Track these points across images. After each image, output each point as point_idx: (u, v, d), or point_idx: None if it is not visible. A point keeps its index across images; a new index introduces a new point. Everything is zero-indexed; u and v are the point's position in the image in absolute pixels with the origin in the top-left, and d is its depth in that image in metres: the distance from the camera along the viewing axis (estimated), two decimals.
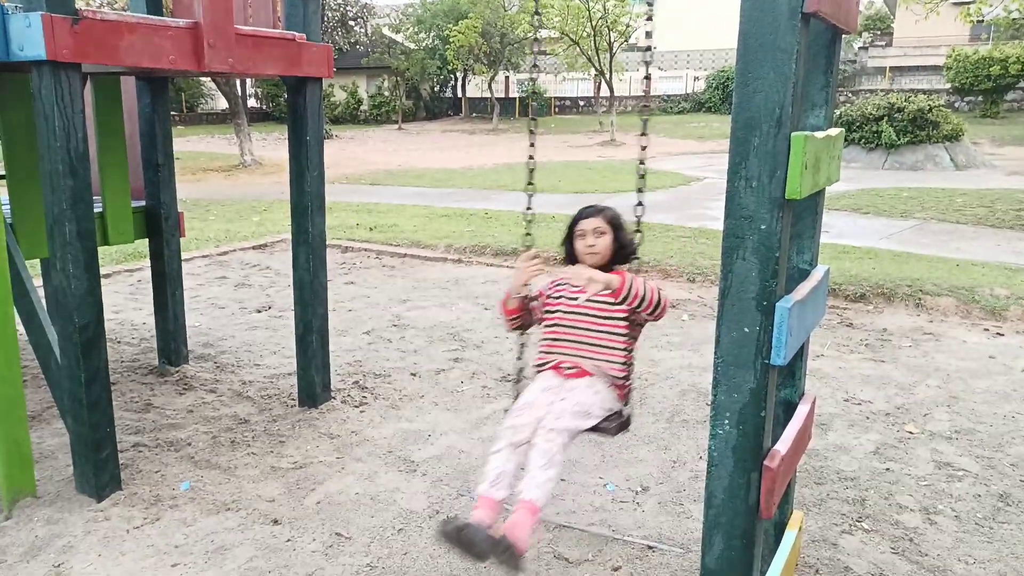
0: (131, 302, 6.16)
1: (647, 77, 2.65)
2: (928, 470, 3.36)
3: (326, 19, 32.45)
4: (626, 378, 2.62)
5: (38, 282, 5.58)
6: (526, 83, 39.99)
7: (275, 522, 2.94)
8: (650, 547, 2.78)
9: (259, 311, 5.93)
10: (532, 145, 2.73)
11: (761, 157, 1.78)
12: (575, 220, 2.72)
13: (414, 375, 4.52)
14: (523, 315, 2.77)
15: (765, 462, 1.93)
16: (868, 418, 3.90)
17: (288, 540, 2.83)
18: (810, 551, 2.74)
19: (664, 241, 8.16)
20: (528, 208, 2.70)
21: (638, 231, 2.66)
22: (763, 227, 1.80)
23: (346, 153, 23.41)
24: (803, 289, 2.04)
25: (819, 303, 2.23)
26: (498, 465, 2.41)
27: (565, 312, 2.68)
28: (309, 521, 2.96)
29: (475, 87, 39.31)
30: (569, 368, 2.62)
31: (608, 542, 2.82)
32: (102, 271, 7.14)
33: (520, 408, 2.51)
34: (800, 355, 2.34)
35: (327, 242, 4.04)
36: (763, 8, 1.73)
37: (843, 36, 2.27)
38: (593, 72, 29.06)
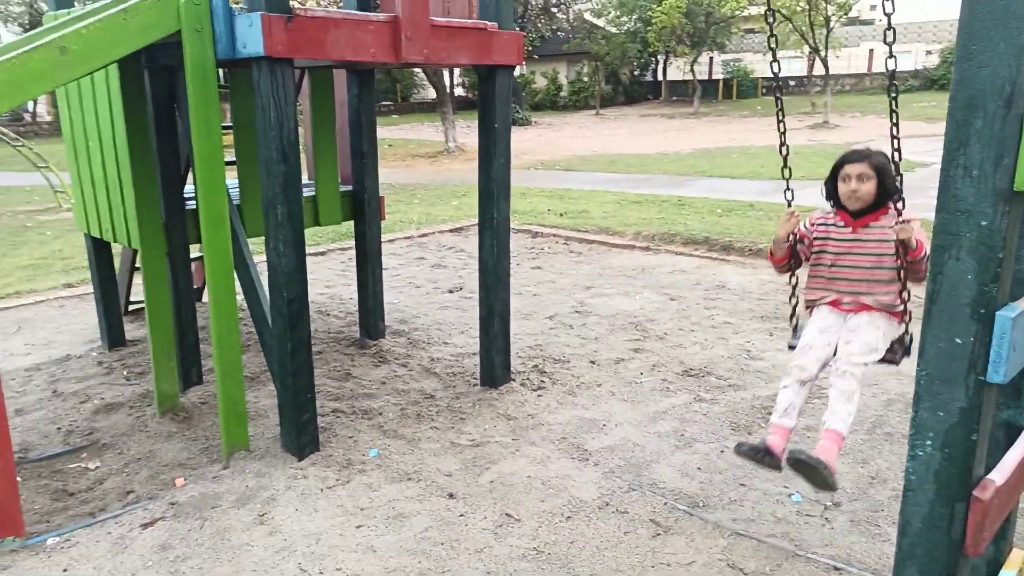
0: (341, 278, 6.69)
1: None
2: None
3: (530, 6, 33.03)
4: (903, 306, 2.69)
5: (260, 258, 6.23)
6: (731, 64, 38.24)
7: (450, 496, 3.06)
8: (836, 568, 2.55)
9: (451, 291, 6.20)
10: (782, 129, 2.77)
11: (984, 142, 1.53)
12: (841, 162, 2.76)
13: (593, 363, 4.49)
14: (791, 259, 2.91)
15: (975, 492, 1.68)
16: None
17: (461, 515, 2.93)
18: None
19: None
20: (788, 189, 2.80)
21: (899, 175, 2.56)
22: (983, 223, 1.55)
23: (542, 139, 23.79)
24: None
25: None
26: (787, 398, 2.70)
27: (835, 252, 2.76)
28: (482, 499, 3.04)
29: (676, 69, 38.19)
30: (848, 304, 2.74)
31: (789, 557, 2.63)
32: (318, 249, 7.83)
33: (802, 350, 2.73)
34: None
35: (517, 227, 4.11)
36: None
37: None
38: (807, 49, 27.12)
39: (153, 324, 3.76)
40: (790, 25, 25.76)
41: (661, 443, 3.48)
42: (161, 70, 3.64)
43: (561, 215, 9.28)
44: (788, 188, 2.81)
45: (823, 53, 26.06)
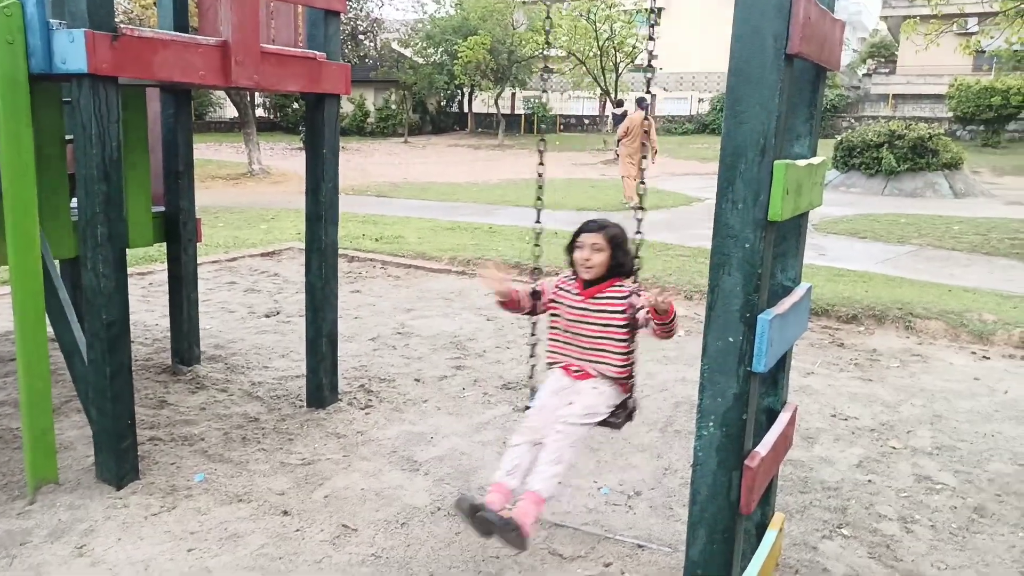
0: (143, 304, 6.33)
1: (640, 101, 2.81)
2: (908, 483, 3.51)
3: None
4: (628, 376, 2.82)
5: None
6: (532, 100, 40.36)
7: (285, 513, 3.10)
8: (640, 546, 2.94)
9: (267, 316, 6.10)
10: (541, 164, 2.96)
11: (746, 182, 1.96)
12: (578, 232, 2.86)
13: (418, 380, 4.68)
14: (521, 306, 2.93)
15: (746, 462, 2.09)
16: (853, 433, 4.06)
17: (297, 530, 2.98)
18: (791, 553, 2.89)
19: (664, 260, 8.34)
20: (537, 221, 2.92)
21: (637, 253, 2.72)
22: (747, 245, 1.97)
23: (352, 165, 23.63)
24: (785, 303, 2.22)
25: (801, 317, 2.41)
26: (515, 457, 2.70)
27: (568, 319, 2.88)
28: (317, 514, 3.11)
29: (481, 103, 39.66)
30: (576, 371, 2.87)
31: (600, 540, 2.98)
32: None
33: (535, 411, 2.82)
34: (782, 366, 2.51)
35: None
36: (751, 48, 1.91)
37: (828, 73, 2.46)
38: (599, 91, 29.40)
39: None
40: (584, 68, 27.83)
41: (485, 451, 3.74)
42: None
43: (377, 240, 9.39)
44: (537, 233, 2.88)
45: (613, 96, 28.41)
